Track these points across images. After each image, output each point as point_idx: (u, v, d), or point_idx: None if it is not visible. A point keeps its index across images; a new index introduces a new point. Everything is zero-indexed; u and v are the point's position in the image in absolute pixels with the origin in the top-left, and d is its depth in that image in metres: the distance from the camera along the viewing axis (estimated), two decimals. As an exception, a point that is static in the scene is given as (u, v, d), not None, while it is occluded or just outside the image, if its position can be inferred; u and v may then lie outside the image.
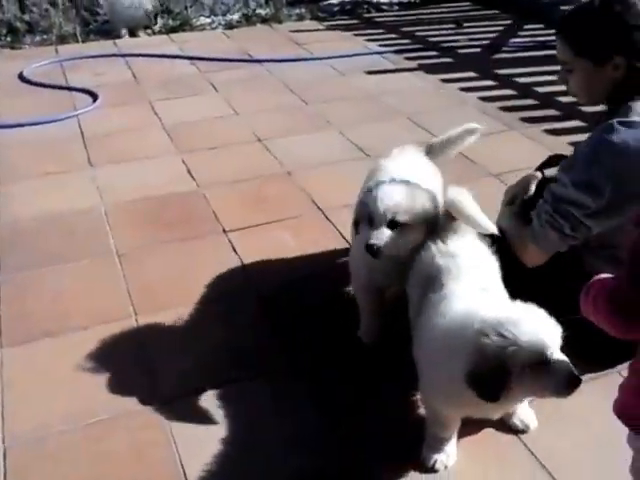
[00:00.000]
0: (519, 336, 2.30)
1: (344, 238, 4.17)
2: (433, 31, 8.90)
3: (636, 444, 2.04)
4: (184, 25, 9.24)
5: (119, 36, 8.73)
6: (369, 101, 6.61)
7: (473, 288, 2.72)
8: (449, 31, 8.91)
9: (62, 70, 7.61)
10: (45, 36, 8.76)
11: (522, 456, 2.83)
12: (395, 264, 3.08)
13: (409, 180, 3.15)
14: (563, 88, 3.21)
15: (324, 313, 3.69)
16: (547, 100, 6.34)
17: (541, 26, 8.41)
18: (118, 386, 3.24)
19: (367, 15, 9.86)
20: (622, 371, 2.98)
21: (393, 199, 2.98)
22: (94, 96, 6.72)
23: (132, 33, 8.86)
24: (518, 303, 2.47)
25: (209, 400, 3.14)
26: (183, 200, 4.86)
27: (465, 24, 9.12)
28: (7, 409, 3.13)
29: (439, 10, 9.90)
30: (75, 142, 5.81)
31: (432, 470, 2.76)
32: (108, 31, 8.89)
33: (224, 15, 9.65)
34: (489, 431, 2.93)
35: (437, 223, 3.05)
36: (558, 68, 3.15)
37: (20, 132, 6.01)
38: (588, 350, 3.01)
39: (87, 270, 4.10)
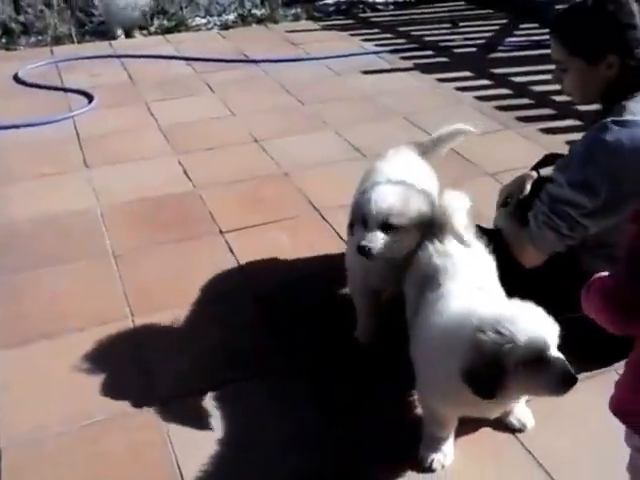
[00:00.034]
0: (516, 333, 2.31)
1: (341, 238, 4.17)
2: (429, 31, 8.90)
3: (633, 442, 2.05)
4: (179, 26, 9.23)
5: (114, 37, 8.72)
6: (365, 101, 6.61)
7: (470, 287, 2.73)
8: (445, 31, 8.91)
9: (57, 71, 7.60)
10: (40, 37, 8.74)
11: (519, 455, 2.83)
12: (390, 266, 3.08)
13: (404, 182, 3.14)
14: (558, 87, 3.22)
15: (321, 313, 3.69)
16: (543, 99, 6.35)
17: (536, 25, 8.41)
18: (114, 387, 3.24)
19: (363, 15, 9.85)
20: (619, 369, 2.98)
21: (387, 201, 2.97)
22: (90, 97, 6.71)
23: (127, 34, 8.85)
24: (516, 301, 2.47)
25: (206, 401, 3.14)
26: (179, 201, 4.86)
27: (460, 23, 9.11)
28: (3, 410, 3.13)
29: (434, 10, 9.89)
30: (71, 143, 5.81)
31: (429, 469, 2.76)
32: (103, 32, 8.87)
33: (220, 15, 9.64)
34: (486, 430, 2.93)
35: (433, 225, 3.02)
36: (553, 67, 3.16)
37: (15, 133, 6.01)
38: (585, 348, 3.02)
39: (83, 271, 4.10)
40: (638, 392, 1.95)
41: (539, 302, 2.43)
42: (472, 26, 9.01)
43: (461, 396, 2.48)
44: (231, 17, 9.59)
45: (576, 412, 2.97)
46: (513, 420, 2.91)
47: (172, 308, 3.73)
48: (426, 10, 9.90)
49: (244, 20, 9.50)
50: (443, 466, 2.77)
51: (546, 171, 3.35)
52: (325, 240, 4.27)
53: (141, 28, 9.00)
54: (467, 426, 2.87)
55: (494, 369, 2.32)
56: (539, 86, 6.55)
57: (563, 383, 2.34)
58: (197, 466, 2.80)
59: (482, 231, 3.07)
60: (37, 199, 4.92)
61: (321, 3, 10.23)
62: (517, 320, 2.34)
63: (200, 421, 3.03)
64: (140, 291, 3.90)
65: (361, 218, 3.02)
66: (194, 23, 9.39)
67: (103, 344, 3.50)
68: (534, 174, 3.40)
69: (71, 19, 9.06)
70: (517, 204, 3.28)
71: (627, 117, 2.85)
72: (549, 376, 2.34)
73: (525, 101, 6.48)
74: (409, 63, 7.69)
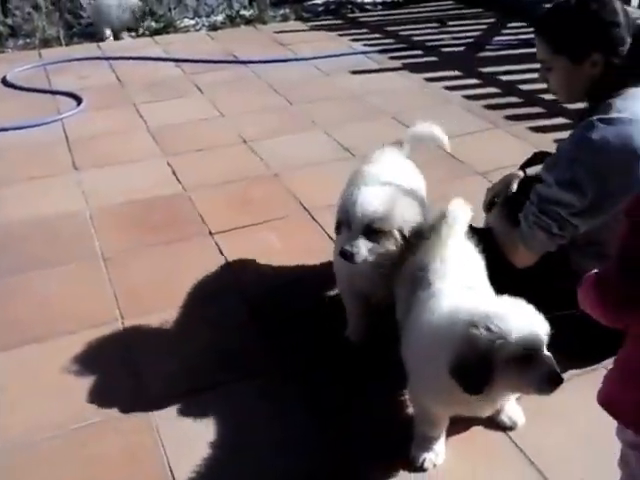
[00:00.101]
0: (506, 330, 2.31)
1: (330, 238, 4.16)
2: (417, 30, 8.90)
3: (624, 436, 2.05)
4: (168, 27, 9.22)
5: (103, 39, 8.71)
6: (354, 101, 6.61)
7: (460, 286, 2.73)
8: (433, 30, 8.91)
9: (46, 74, 7.58)
10: (28, 40, 8.73)
11: (511, 453, 2.84)
12: (376, 270, 3.05)
13: (389, 185, 3.13)
14: (546, 85, 3.22)
15: (311, 314, 3.69)
16: (531, 98, 6.37)
17: (524, 24, 8.42)
18: (106, 390, 3.24)
19: (351, 15, 9.86)
20: (609, 366, 2.98)
21: (371, 205, 2.95)
22: (78, 99, 6.70)
23: (116, 36, 8.84)
24: (507, 298, 2.47)
25: (196, 402, 3.13)
26: (169, 203, 4.85)
27: (449, 23, 9.12)
28: (-4, 414, 3.13)
29: (423, 9, 9.90)
30: (59, 146, 5.79)
31: (421, 469, 2.76)
32: (92, 34, 8.87)
33: (208, 17, 9.64)
34: (477, 429, 2.93)
35: (420, 228, 3.01)
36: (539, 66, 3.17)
37: (4, 136, 5.99)
38: (575, 346, 3.03)
39: (73, 274, 4.09)
40: (626, 387, 1.96)
41: (529, 300, 2.43)
42: (460, 25, 9.02)
43: (453, 395, 2.49)
44: (219, 18, 9.58)
45: (567, 410, 2.98)
46: (504, 418, 2.92)
47: (162, 310, 3.72)
48: (414, 10, 9.91)
49: (232, 21, 9.50)
50: (435, 465, 2.77)
51: (533, 170, 3.37)
52: (315, 240, 4.27)
53: (129, 30, 8.99)
54: (458, 425, 2.87)
55: (483, 364, 2.32)
56: (528, 85, 6.55)
57: (549, 382, 2.35)
58: (189, 467, 2.80)
59: (472, 230, 3.07)
60: (26, 202, 4.91)
61: (309, 3, 10.24)
62: (508, 317, 2.35)
63: (191, 422, 3.03)
64: (130, 293, 3.89)
65: (346, 221, 3.01)
66: (182, 24, 9.39)
67: (93, 347, 3.50)
68: (520, 173, 3.42)
69: (59, 21, 9.05)
70: (504, 202, 3.29)
71: (613, 115, 2.86)
72: (536, 375, 2.35)
73: (514, 100, 6.49)
74: (397, 63, 7.70)
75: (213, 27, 9.32)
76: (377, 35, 8.77)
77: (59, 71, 7.65)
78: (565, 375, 3.05)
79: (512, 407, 2.92)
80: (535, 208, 2.98)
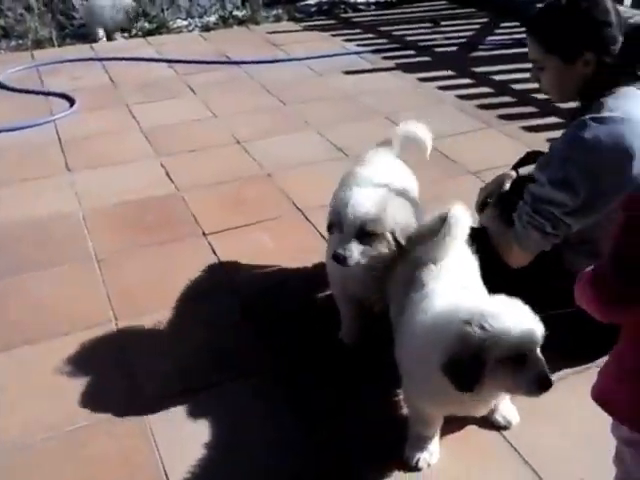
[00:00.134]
0: (499, 330, 2.31)
1: (323, 238, 4.15)
2: (410, 30, 8.91)
3: (619, 433, 2.06)
4: (161, 28, 9.22)
5: (95, 40, 8.70)
6: (347, 101, 6.61)
7: (454, 286, 2.73)
8: (426, 30, 8.92)
9: (38, 75, 7.57)
10: (21, 41, 8.72)
11: (505, 452, 2.84)
12: (368, 272, 3.05)
13: (382, 186, 3.11)
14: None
15: (304, 314, 3.69)
16: (524, 97, 6.37)
17: (517, 24, 8.43)
18: (100, 391, 3.23)
19: (344, 15, 9.86)
20: (601, 365, 2.99)
21: (363, 208, 2.92)
22: (71, 101, 6.69)
23: (109, 36, 8.83)
24: (504, 297, 2.46)
25: (190, 402, 3.13)
26: (162, 203, 4.85)
27: (442, 23, 9.13)
28: (-10, 415, 3.13)
29: (416, 9, 9.91)
30: (52, 147, 5.78)
31: (415, 469, 2.76)
32: (84, 35, 8.87)
33: (201, 17, 9.64)
34: (472, 428, 2.94)
35: (412, 230, 3.00)
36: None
37: (-3, 138, 5.99)
38: (569, 345, 3.04)
39: (67, 275, 4.08)
40: (621, 381, 1.96)
41: (523, 300, 2.43)
42: (453, 25, 9.03)
43: (446, 395, 2.49)
44: (212, 19, 9.58)
45: (561, 409, 2.98)
46: (498, 417, 2.92)
47: (155, 310, 3.72)
48: (407, 10, 9.92)
49: (225, 22, 9.50)
50: (429, 465, 2.78)
51: (526, 170, 3.37)
52: (308, 240, 4.27)
53: (122, 30, 8.98)
54: (452, 424, 2.88)
55: (474, 362, 2.32)
56: (520, 84, 6.56)
57: (538, 385, 2.36)
58: (183, 467, 2.80)
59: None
60: (19, 203, 4.90)
61: (302, 4, 10.24)
62: (503, 317, 2.34)
63: (185, 422, 3.03)
64: (123, 294, 3.88)
65: (338, 224, 3.00)
66: (175, 25, 9.39)
67: (87, 348, 3.50)
68: (513, 173, 3.42)
69: (52, 22, 9.04)
70: (498, 202, 3.29)
71: (605, 114, 2.86)
72: (526, 376, 2.35)
73: (507, 99, 6.50)
74: (391, 63, 7.70)
75: (206, 28, 9.32)
76: (370, 35, 8.77)
77: (52, 72, 7.63)
78: (559, 374, 3.09)
79: (506, 406, 2.92)
80: (528, 208, 2.98)
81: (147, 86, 7.19)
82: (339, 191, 3.32)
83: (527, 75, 3.21)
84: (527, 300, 2.43)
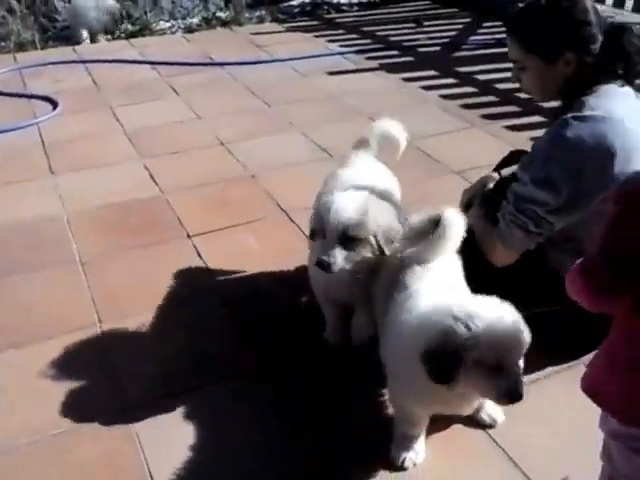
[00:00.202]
0: (482, 334, 2.31)
1: (308, 239, 4.17)
2: (393, 31, 8.91)
3: (608, 426, 2.06)
4: (144, 30, 9.18)
5: (79, 42, 8.66)
6: (331, 102, 6.61)
7: (438, 287, 2.73)
8: (409, 30, 8.92)
9: (21, 77, 7.53)
10: (3, 44, 8.66)
11: (490, 450, 2.85)
12: (353, 276, 3.02)
13: (364, 190, 3.09)
14: (520, 85, 3.24)
15: (288, 316, 3.69)
16: (507, 97, 6.39)
17: (499, 23, 8.44)
18: (84, 394, 3.23)
19: (327, 16, 9.85)
20: (586, 363, 3.00)
21: (345, 212, 2.90)
22: (54, 103, 6.67)
23: (92, 39, 8.80)
24: (498, 302, 2.43)
25: (174, 405, 3.12)
26: (146, 206, 4.83)
27: (425, 23, 9.14)
28: (-26, 420, 3.11)
29: (399, 10, 9.91)
30: (36, 150, 5.76)
31: (401, 468, 2.77)
32: (67, 37, 8.83)
33: (184, 19, 9.62)
34: (457, 427, 2.94)
35: (395, 233, 2.99)
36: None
37: (-20, 141, 5.96)
38: (555, 343, 3.05)
39: (51, 279, 4.06)
40: (612, 372, 1.97)
41: (508, 299, 2.43)
42: (436, 25, 9.03)
43: (432, 395, 2.51)
44: (195, 20, 9.56)
45: (546, 407, 2.99)
46: (484, 416, 2.93)
47: (139, 313, 3.71)
48: (390, 10, 9.92)
49: (208, 23, 9.47)
50: (415, 464, 2.78)
51: (507, 172, 3.38)
52: (293, 241, 4.26)
53: (106, 33, 8.95)
54: (438, 423, 2.88)
55: (452, 358, 2.33)
56: (504, 84, 6.56)
57: (508, 397, 2.37)
58: (168, 469, 2.80)
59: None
60: (3, 207, 4.87)
61: (285, 5, 10.23)
62: (490, 322, 2.33)
63: (169, 425, 3.02)
64: (107, 297, 3.87)
65: (320, 230, 2.98)
66: (158, 27, 9.36)
67: (72, 351, 3.48)
68: (496, 175, 3.43)
69: (34, 25, 8.99)
70: (482, 202, 3.30)
71: (586, 112, 2.87)
72: (498, 385, 2.35)
73: (490, 99, 6.52)
74: (374, 63, 7.71)
75: (189, 29, 9.30)
76: (354, 36, 8.77)
77: (35, 75, 7.60)
78: (544, 372, 3.10)
79: (492, 405, 2.92)
80: (512, 207, 2.99)
81: (130, 88, 7.16)
82: (321, 195, 3.31)
83: (510, 75, 3.22)
84: (511, 298, 2.43)
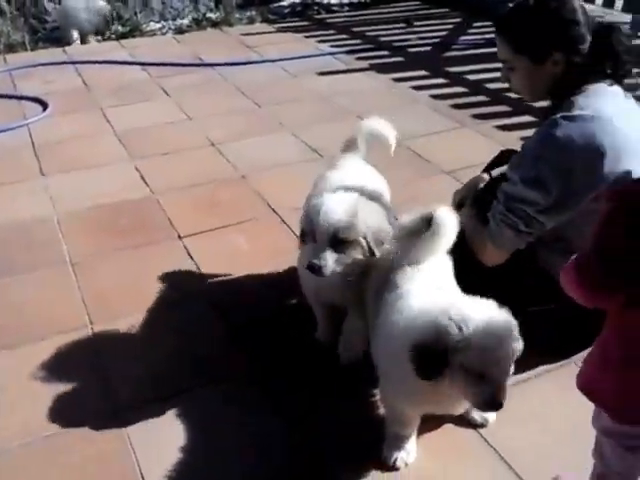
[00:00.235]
0: (472, 340, 2.30)
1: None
2: (384, 31, 8.92)
3: (600, 423, 2.07)
4: (134, 31, 9.16)
5: (69, 43, 8.64)
6: (321, 102, 6.62)
7: (429, 287, 2.73)
8: (400, 30, 8.93)
9: (11, 79, 7.51)
10: (-7, 45, 8.66)
11: (482, 450, 2.85)
12: (344, 278, 3.00)
13: (354, 192, 3.07)
14: (511, 85, 3.24)
15: (279, 317, 3.69)
16: (498, 96, 6.40)
17: (489, 23, 8.44)
18: (76, 396, 3.22)
19: (318, 16, 9.85)
20: (578, 362, 3.01)
21: (335, 214, 2.89)
22: (44, 104, 6.65)
23: (82, 40, 8.77)
24: (495, 307, 2.42)
25: (164, 407, 3.12)
26: (137, 207, 4.83)
27: (415, 23, 9.15)
28: (-35, 424, 3.10)
29: (389, 10, 9.92)
30: (26, 151, 5.74)
31: (393, 468, 2.77)
32: (57, 39, 8.80)
33: (174, 20, 9.59)
34: (449, 427, 2.95)
35: (385, 235, 2.99)
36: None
37: (-30, 143, 5.94)
38: (546, 342, 3.06)
39: (41, 280, 4.06)
40: (605, 370, 1.98)
41: (498, 298, 2.43)
42: (427, 25, 9.05)
43: (423, 395, 2.51)
44: (186, 21, 9.54)
45: (538, 406, 3.00)
46: (475, 416, 2.93)
47: (130, 314, 3.70)
48: (381, 10, 9.93)
49: (199, 24, 9.46)
50: (407, 464, 2.78)
51: (498, 172, 3.38)
52: (283, 241, 4.26)
53: (96, 34, 8.93)
54: (429, 423, 2.88)
55: (440, 357, 2.33)
56: (494, 84, 6.57)
57: (487, 405, 2.38)
58: (160, 471, 2.80)
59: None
60: (-7, 208, 4.87)
61: (276, 5, 10.22)
62: (483, 328, 2.32)
63: (160, 427, 3.02)
64: (98, 298, 3.86)
65: (310, 232, 2.97)
66: (148, 28, 9.33)
67: (63, 353, 3.48)
68: (486, 177, 3.43)
69: (24, 26, 8.96)
70: (473, 202, 3.30)
71: (575, 112, 2.87)
72: (479, 391, 2.35)
73: (481, 99, 6.53)
74: (365, 63, 7.71)
75: (179, 30, 9.28)
76: (344, 36, 8.77)
77: (25, 76, 7.58)
78: (535, 370, 3.11)
79: (483, 405, 2.93)
80: (502, 206, 3.00)
81: (121, 89, 7.15)
82: (310, 197, 3.31)
83: (499, 74, 3.22)
84: (501, 298, 2.43)
